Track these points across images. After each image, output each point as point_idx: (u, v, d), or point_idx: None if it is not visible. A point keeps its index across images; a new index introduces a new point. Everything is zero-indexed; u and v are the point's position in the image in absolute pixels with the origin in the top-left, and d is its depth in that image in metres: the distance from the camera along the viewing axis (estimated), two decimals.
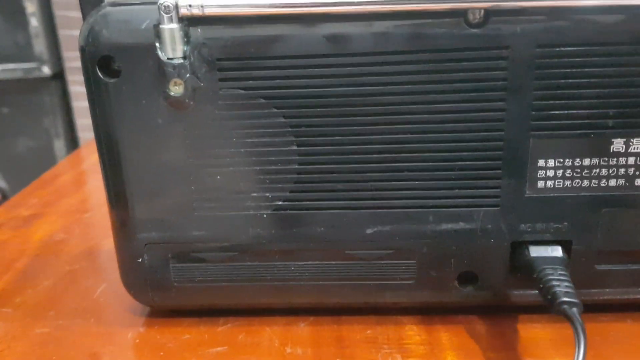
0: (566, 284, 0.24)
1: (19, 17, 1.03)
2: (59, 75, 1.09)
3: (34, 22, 1.03)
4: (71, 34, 1.04)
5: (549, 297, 0.24)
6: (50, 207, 0.46)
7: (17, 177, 1.14)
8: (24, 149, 1.13)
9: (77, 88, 1.08)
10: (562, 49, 0.24)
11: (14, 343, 0.29)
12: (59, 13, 1.04)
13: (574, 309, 0.23)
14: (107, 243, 0.38)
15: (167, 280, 0.28)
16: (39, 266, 0.36)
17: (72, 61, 1.06)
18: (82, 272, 0.35)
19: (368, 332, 0.28)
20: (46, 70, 1.07)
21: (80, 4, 0.27)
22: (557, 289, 0.24)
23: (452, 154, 0.25)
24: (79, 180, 0.52)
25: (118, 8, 0.25)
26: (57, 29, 1.05)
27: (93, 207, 0.45)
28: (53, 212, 0.45)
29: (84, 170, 0.55)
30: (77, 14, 0.28)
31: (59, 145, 1.14)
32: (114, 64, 0.25)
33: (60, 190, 0.50)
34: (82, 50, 0.25)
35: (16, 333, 0.29)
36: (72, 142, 1.14)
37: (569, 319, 0.23)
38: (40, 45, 1.05)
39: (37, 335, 0.29)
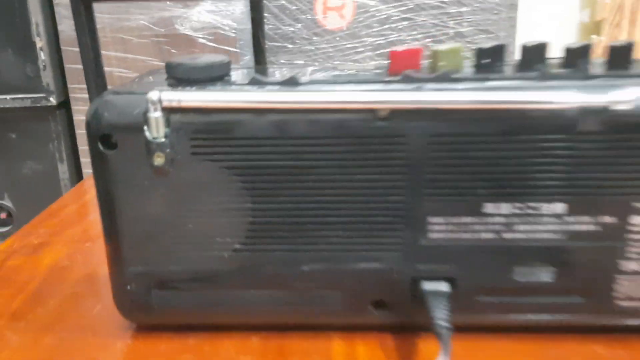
0: (444, 311, 0.32)
1: (29, 51, 1.12)
2: (65, 105, 1.18)
3: (43, 56, 1.12)
4: (76, 67, 1.13)
5: (431, 321, 0.32)
6: (56, 237, 0.54)
7: (24, 197, 1.22)
8: (31, 171, 1.21)
9: (81, 117, 1.16)
10: (446, 137, 0.32)
11: (26, 352, 0.37)
12: (65, 48, 1.12)
13: (445, 331, 0.31)
14: (103, 270, 0.46)
15: (149, 304, 0.36)
16: (47, 288, 0.44)
17: (77, 92, 1.15)
18: (83, 294, 0.43)
19: (304, 344, 0.36)
20: (53, 100, 1.15)
21: (88, 88, 0.35)
22: (436, 315, 0.32)
23: (366, 212, 0.34)
24: (82, 212, 0.60)
25: (117, 96, 0.34)
26: (63, 63, 1.14)
27: (93, 237, 0.53)
28: (59, 241, 0.53)
29: (86, 202, 0.63)
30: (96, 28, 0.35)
31: (63, 169, 1.22)
32: (112, 139, 0.33)
33: (66, 220, 0.58)
34: (88, 126, 0.34)
35: (28, 343, 0.38)
36: (76, 167, 1.22)
37: (439, 338, 0.31)
38: (47, 77, 1.14)
39: (46, 345, 0.37)
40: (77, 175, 1.24)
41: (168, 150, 0.33)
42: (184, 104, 0.32)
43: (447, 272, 0.34)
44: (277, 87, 0.33)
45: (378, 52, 1.19)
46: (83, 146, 1.19)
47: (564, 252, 0.34)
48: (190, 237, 0.35)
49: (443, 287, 0.34)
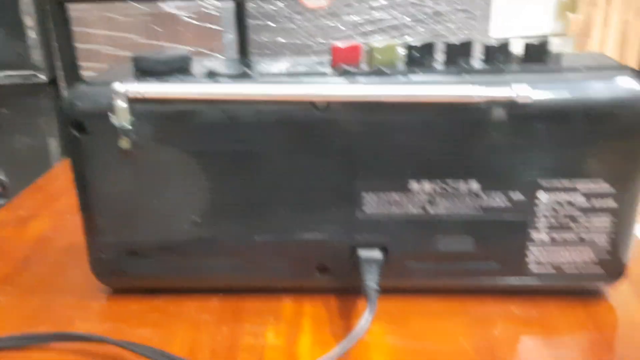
0: (374, 275, 0.37)
1: (18, 30, 1.15)
2: (54, 82, 1.22)
3: (32, 34, 1.16)
4: None
5: (360, 283, 0.37)
6: (43, 210, 0.59)
7: (16, 171, 1.27)
8: (22, 146, 1.26)
9: None
10: (375, 126, 0.37)
11: (13, 310, 0.42)
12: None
13: (373, 292, 0.36)
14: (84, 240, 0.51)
15: (121, 270, 0.41)
16: (33, 257, 0.49)
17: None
18: (65, 262, 0.48)
19: (257, 304, 0.41)
20: (42, 77, 1.19)
21: (65, 79, 0.40)
22: (366, 278, 0.37)
23: (309, 190, 0.38)
24: (68, 186, 0.65)
25: (89, 87, 0.38)
26: (52, 41, 1.17)
27: (75, 210, 0.58)
28: (45, 213, 0.58)
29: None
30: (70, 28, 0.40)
31: (54, 143, 1.26)
32: (84, 125, 0.38)
33: (52, 194, 0.63)
34: (64, 113, 0.38)
35: (15, 303, 0.43)
36: (64, 140, 1.27)
37: (367, 297, 0.36)
38: (37, 55, 1.18)
39: (32, 305, 0.42)
40: (67, 148, 1.28)
41: (133, 135, 0.37)
42: (146, 95, 0.37)
43: (381, 242, 0.39)
44: (229, 79, 0.38)
45: (358, 31, 1.23)
46: None
47: (480, 224, 0.39)
48: (155, 212, 0.39)
49: (376, 254, 0.39)
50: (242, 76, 0.38)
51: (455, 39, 0.40)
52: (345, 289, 0.41)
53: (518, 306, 0.40)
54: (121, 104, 0.37)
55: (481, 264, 0.40)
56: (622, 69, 0.38)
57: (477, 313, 0.40)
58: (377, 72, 0.37)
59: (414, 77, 0.37)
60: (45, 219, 0.56)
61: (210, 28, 1.15)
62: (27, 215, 0.58)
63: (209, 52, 1.17)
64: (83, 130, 0.38)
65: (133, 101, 0.37)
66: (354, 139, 0.37)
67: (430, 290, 0.41)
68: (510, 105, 0.35)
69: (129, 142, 0.37)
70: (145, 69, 0.39)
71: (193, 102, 0.37)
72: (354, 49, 0.40)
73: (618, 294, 0.41)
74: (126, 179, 0.39)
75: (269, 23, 1.20)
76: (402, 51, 0.40)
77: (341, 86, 0.36)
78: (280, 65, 0.41)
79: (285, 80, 0.38)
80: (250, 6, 1.19)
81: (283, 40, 1.21)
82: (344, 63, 0.40)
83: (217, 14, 1.16)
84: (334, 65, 0.40)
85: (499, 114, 0.36)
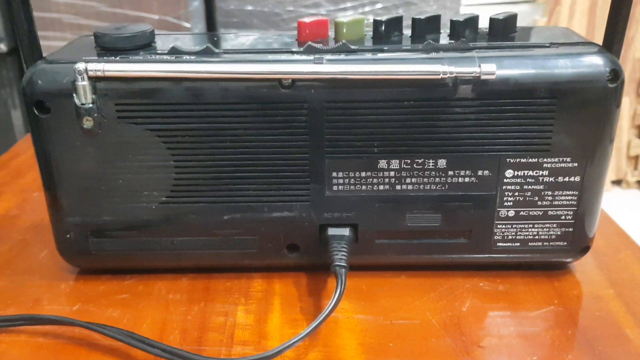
0: (343, 253, 0.38)
1: None
2: (15, 52, 1.18)
3: None
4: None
5: (330, 261, 0.37)
6: (7, 187, 0.57)
7: None
8: None
9: None
10: (341, 103, 0.36)
11: None
12: None
13: (341, 269, 0.36)
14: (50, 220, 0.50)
15: (87, 250, 0.41)
16: None
17: None
18: (30, 241, 0.47)
19: (227, 284, 0.41)
20: (2, 47, 1.16)
21: (23, 57, 0.38)
22: (335, 256, 0.37)
23: (277, 169, 0.38)
24: (31, 162, 0.63)
25: (49, 65, 0.37)
26: (12, 10, 1.13)
27: (41, 187, 0.56)
28: (9, 191, 0.57)
29: None
30: None
31: (16, 115, 1.23)
32: (45, 104, 0.37)
33: (16, 171, 0.61)
34: (24, 92, 0.37)
35: None
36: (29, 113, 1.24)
37: (336, 275, 0.36)
38: None
39: None
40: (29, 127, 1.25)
41: (96, 114, 0.36)
42: (108, 74, 0.36)
43: (350, 219, 0.39)
44: (193, 56, 0.37)
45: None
46: None
47: (448, 201, 0.39)
48: (120, 191, 0.39)
49: (345, 232, 0.39)
50: (206, 53, 0.37)
51: (422, 13, 0.39)
52: (314, 266, 0.42)
53: (486, 281, 0.41)
54: (83, 83, 0.36)
55: (449, 240, 0.40)
56: (586, 45, 0.38)
57: (445, 288, 0.40)
58: (342, 48, 0.37)
59: (380, 55, 0.37)
60: (10, 197, 0.55)
61: None
62: None
63: (175, 21, 1.14)
64: (45, 110, 0.37)
65: (95, 80, 0.36)
66: (320, 117, 0.37)
67: (399, 266, 0.42)
68: (475, 82, 0.35)
69: (92, 122, 0.37)
70: (107, 46, 0.38)
71: (156, 80, 0.36)
72: (321, 24, 0.40)
73: (584, 268, 0.42)
74: (90, 158, 0.38)
75: None
76: (368, 26, 0.40)
77: (306, 65, 0.36)
78: (246, 40, 0.41)
79: (250, 57, 0.37)
80: None
81: (250, 8, 1.19)
82: (311, 38, 0.39)
83: None
84: (300, 40, 0.39)
85: (464, 90, 0.36)
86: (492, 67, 0.34)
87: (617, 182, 1.76)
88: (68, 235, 0.40)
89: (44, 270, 0.43)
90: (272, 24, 1.21)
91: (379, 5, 1.23)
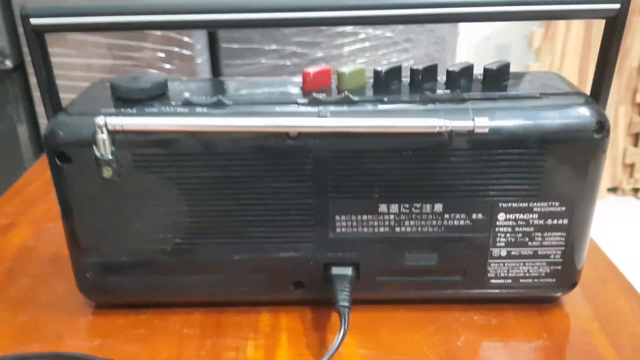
0: (346, 293, 0.40)
1: None
2: (20, 67, 1.21)
3: None
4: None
5: (334, 300, 0.40)
6: (22, 216, 0.60)
7: None
8: None
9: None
10: (344, 153, 0.39)
11: (5, 327, 0.44)
12: (19, 12, 1.14)
13: (345, 310, 0.39)
14: (66, 250, 0.52)
15: (106, 287, 0.43)
16: (18, 269, 0.51)
17: None
18: (49, 274, 0.50)
19: (237, 318, 0.44)
20: (8, 63, 1.18)
21: (44, 108, 0.41)
22: (339, 296, 0.40)
23: (284, 213, 0.41)
24: (44, 189, 0.66)
25: (70, 117, 0.40)
26: (17, 27, 1.16)
27: (55, 217, 0.59)
28: (25, 221, 0.59)
29: (48, 178, 0.68)
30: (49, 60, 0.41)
31: (22, 129, 1.26)
32: (67, 155, 0.39)
33: (30, 199, 0.64)
34: (46, 142, 0.40)
35: (5, 320, 0.44)
36: (35, 127, 1.26)
37: (339, 315, 0.39)
38: (2, 41, 1.16)
39: (20, 322, 0.44)
40: (36, 134, 1.27)
41: (114, 164, 0.39)
42: (126, 127, 0.38)
43: (352, 259, 0.42)
44: (205, 108, 0.39)
45: None
46: (40, 108, 1.22)
47: (444, 242, 0.41)
48: (137, 234, 0.41)
49: (348, 271, 0.42)
50: (217, 105, 0.40)
51: (419, 64, 0.42)
52: (319, 301, 0.44)
53: (480, 314, 0.44)
54: (103, 136, 0.38)
55: (445, 277, 0.43)
56: (574, 95, 0.40)
57: (441, 322, 0.43)
58: (345, 100, 0.40)
59: (380, 106, 0.39)
60: (25, 227, 0.58)
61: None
62: (7, 223, 0.59)
63: (177, 36, 1.17)
64: (66, 160, 0.39)
65: (113, 133, 0.38)
66: (324, 165, 0.39)
67: (399, 301, 0.44)
68: (469, 135, 0.38)
69: (111, 171, 0.39)
70: (123, 97, 0.41)
71: (169, 133, 0.39)
72: (324, 73, 0.42)
73: (572, 301, 0.45)
74: (109, 204, 0.40)
75: None
76: (369, 76, 0.43)
77: (311, 118, 0.38)
78: (254, 89, 0.43)
79: (259, 109, 0.40)
80: None
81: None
82: (314, 87, 0.42)
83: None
84: (305, 89, 0.42)
85: (458, 141, 0.38)
86: (485, 122, 0.37)
87: (613, 190, 1.78)
88: (87, 274, 0.43)
89: (63, 305, 0.46)
90: (273, 39, 1.24)
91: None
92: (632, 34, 1.61)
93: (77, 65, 1.19)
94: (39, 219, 0.60)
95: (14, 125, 1.25)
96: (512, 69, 0.43)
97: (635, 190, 1.77)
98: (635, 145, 1.73)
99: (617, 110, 1.68)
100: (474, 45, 1.58)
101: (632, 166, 1.75)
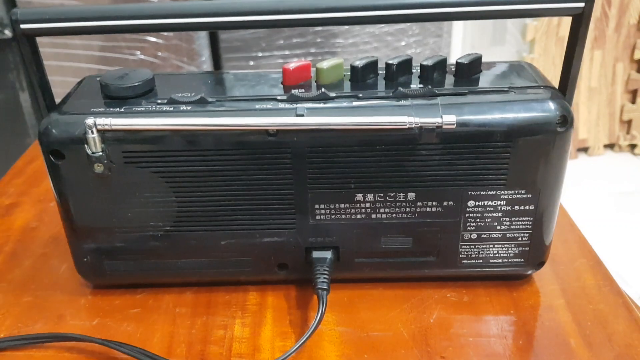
0: (325, 276, 0.43)
1: None
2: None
3: None
4: (29, 0, 1.16)
5: (313, 283, 0.43)
6: (24, 196, 0.63)
7: None
8: None
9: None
10: (321, 148, 0.41)
11: (11, 308, 0.47)
12: None
13: (323, 292, 0.42)
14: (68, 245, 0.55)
15: (102, 270, 0.46)
16: (21, 249, 0.54)
17: None
18: (51, 255, 0.53)
19: (227, 297, 0.47)
20: (8, 32, 1.19)
21: (40, 106, 0.43)
22: (318, 279, 0.43)
23: (266, 203, 0.43)
24: (44, 169, 0.68)
25: (63, 116, 0.42)
26: None
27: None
28: (27, 201, 0.62)
29: None
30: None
31: (24, 97, 1.28)
32: (60, 152, 0.42)
33: (32, 178, 0.67)
34: (40, 139, 0.42)
35: (11, 301, 0.48)
36: (36, 95, 1.28)
37: (318, 297, 0.42)
38: (1, 11, 1.17)
39: (25, 303, 0.48)
40: (37, 102, 1.30)
41: (105, 161, 0.41)
42: (114, 127, 0.40)
43: (332, 243, 0.45)
44: (189, 106, 0.42)
45: None
46: None
47: (418, 227, 0.44)
48: (130, 223, 0.44)
49: (328, 254, 0.45)
50: (201, 102, 0.42)
51: (394, 58, 0.44)
52: (302, 280, 0.47)
53: (453, 292, 0.47)
54: (93, 135, 0.40)
55: (420, 259, 0.46)
56: (542, 89, 0.42)
57: (416, 299, 0.46)
58: (322, 96, 0.42)
59: (355, 103, 0.41)
60: (28, 207, 0.61)
61: None
62: (10, 202, 0.62)
63: None
64: (60, 157, 0.42)
65: (103, 132, 0.41)
66: (303, 159, 0.42)
67: (376, 279, 0.47)
68: (438, 130, 0.40)
69: (102, 167, 0.42)
70: (112, 95, 0.43)
71: (156, 132, 0.41)
72: (304, 69, 0.44)
73: (541, 277, 0.48)
74: (102, 196, 0.43)
75: None
76: (347, 68, 0.45)
77: (289, 117, 0.40)
78: (237, 83, 0.45)
79: (241, 106, 0.42)
80: None
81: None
82: (294, 82, 0.44)
83: None
84: (285, 84, 0.44)
85: (428, 136, 0.40)
86: (452, 118, 0.39)
87: (610, 146, 1.80)
88: (85, 259, 0.46)
89: (64, 285, 0.49)
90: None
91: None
92: None
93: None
94: (41, 198, 0.62)
95: (16, 93, 1.27)
96: (507, 59, 0.46)
97: (632, 146, 1.78)
98: (633, 102, 1.73)
99: (615, 67, 1.68)
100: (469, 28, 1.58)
101: (629, 123, 1.75)
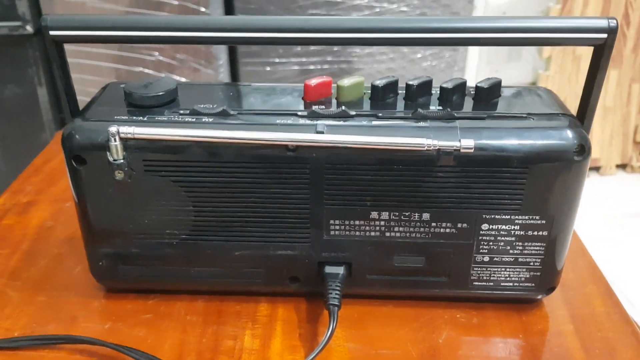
0: (337, 292, 0.44)
1: None
2: (40, 32, 1.23)
3: None
4: None
5: (325, 298, 0.43)
6: (41, 195, 0.64)
7: (6, 119, 1.31)
8: (12, 94, 1.28)
9: None
10: (339, 165, 0.42)
11: (26, 307, 0.48)
12: None
13: (334, 308, 0.43)
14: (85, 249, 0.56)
15: (116, 274, 0.47)
16: (36, 248, 0.55)
17: None
18: (66, 255, 0.54)
19: (237, 307, 0.48)
20: (29, 28, 1.21)
21: (64, 112, 0.44)
22: (329, 295, 0.43)
23: (282, 216, 0.44)
24: (63, 167, 0.69)
25: (86, 123, 0.43)
26: None
27: (72, 197, 0.63)
28: (44, 199, 0.63)
29: None
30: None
31: (42, 92, 1.29)
32: (82, 157, 0.43)
33: (49, 177, 0.67)
34: (64, 145, 0.43)
35: (26, 300, 0.48)
36: (54, 90, 1.29)
37: (329, 313, 0.42)
38: (23, 7, 1.19)
39: (39, 302, 0.48)
40: (55, 97, 1.31)
41: (126, 168, 0.42)
42: (137, 136, 0.41)
43: (345, 259, 0.45)
44: (211, 118, 0.42)
45: None
46: None
47: (431, 247, 0.44)
48: (146, 229, 0.45)
49: (340, 270, 0.45)
50: (222, 115, 0.42)
51: (414, 79, 0.44)
52: (313, 294, 0.48)
53: (462, 312, 0.47)
54: (115, 143, 0.41)
55: (431, 278, 0.46)
56: (561, 117, 0.42)
57: (426, 319, 0.46)
58: (342, 114, 0.42)
59: (374, 122, 0.42)
60: (45, 206, 0.62)
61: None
62: (27, 201, 0.63)
63: (194, 6, 1.18)
64: (82, 162, 0.43)
65: (125, 140, 0.41)
66: (320, 175, 0.42)
67: (387, 297, 0.48)
68: (456, 154, 0.40)
69: (123, 174, 0.42)
70: (136, 103, 0.44)
71: (176, 141, 0.42)
72: (325, 85, 0.45)
73: (551, 302, 0.48)
74: (121, 203, 0.44)
75: None
76: (368, 86, 0.45)
77: (309, 134, 0.41)
78: (259, 97, 0.46)
79: (261, 120, 0.42)
80: None
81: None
82: (315, 98, 0.44)
83: None
84: (306, 99, 0.45)
85: (445, 158, 0.41)
86: (470, 142, 0.40)
87: (622, 166, 1.79)
88: (100, 263, 0.47)
89: (78, 287, 0.50)
90: (288, 11, 1.25)
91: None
92: None
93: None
94: (57, 197, 0.63)
95: (34, 88, 1.29)
96: (523, 76, 0.46)
97: None
98: None
99: (631, 88, 1.67)
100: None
101: None
